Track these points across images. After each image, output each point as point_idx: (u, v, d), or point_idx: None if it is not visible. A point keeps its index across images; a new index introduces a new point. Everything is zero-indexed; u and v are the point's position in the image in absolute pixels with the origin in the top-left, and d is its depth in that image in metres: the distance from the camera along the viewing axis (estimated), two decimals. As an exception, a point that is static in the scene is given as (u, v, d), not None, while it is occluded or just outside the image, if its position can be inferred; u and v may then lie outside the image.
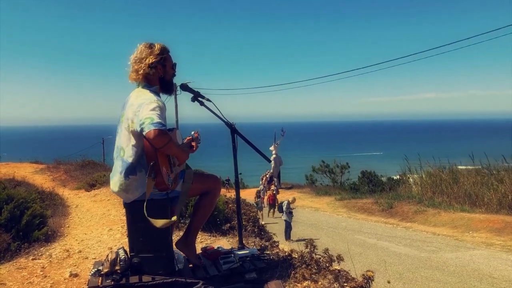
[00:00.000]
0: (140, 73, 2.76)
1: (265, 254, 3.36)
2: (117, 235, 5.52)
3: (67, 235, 5.86)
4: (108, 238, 5.37)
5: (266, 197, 18.58)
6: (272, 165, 24.65)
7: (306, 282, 2.88)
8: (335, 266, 3.22)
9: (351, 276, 3.01)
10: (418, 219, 14.11)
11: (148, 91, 2.73)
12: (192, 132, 3.13)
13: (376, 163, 49.63)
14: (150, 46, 2.82)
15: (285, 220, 12.97)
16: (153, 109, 2.48)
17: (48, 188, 10.85)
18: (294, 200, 14.26)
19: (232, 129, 3.25)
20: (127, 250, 2.86)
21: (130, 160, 2.68)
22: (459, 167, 18.04)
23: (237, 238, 3.48)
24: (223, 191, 4.41)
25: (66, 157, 22.71)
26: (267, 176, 24.11)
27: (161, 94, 2.90)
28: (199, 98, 3.17)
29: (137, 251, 2.79)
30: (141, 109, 2.52)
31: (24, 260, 4.18)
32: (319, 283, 2.86)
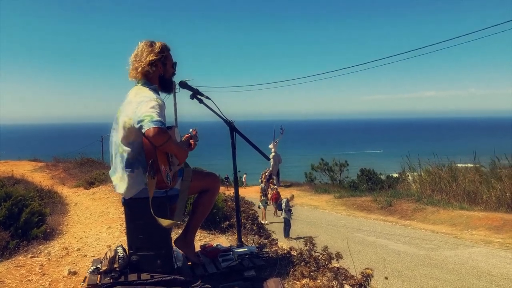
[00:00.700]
0: (139, 71, 2.75)
1: (264, 252, 3.36)
2: (116, 233, 5.52)
3: (65, 233, 5.86)
4: (107, 236, 5.36)
5: (269, 196, 17.96)
6: (271, 163, 24.64)
7: (305, 279, 2.88)
8: (334, 263, 3.22)
9: (350, 273, 3.01)
10: (417, 217, 14.13)
11: (147, 89, 2.72)
12: (190, 130, 3.12)
13: (376, 161, 49.69)
14: (151, 44, 2.81)
15: (284, 218, 12.96)
16: (153, 107, 2.47)
17: (47, 186, 10.84)
18: (292, 197, 14.26)
19: (231, 127, 3.24)
20: (126, 248, 2.85)
21: (127, 156, 2.67)
22: (458, 165, 18.05)
23: (236, 236, 3.48)
24: (222, 189, 4.42)
25: (65, 155, 22.72)
26: (266, 174, 24.10)
27: (160, 92, 2.89)
28: (198, 96, 3.16)
29: (135, 249, 2.78)
30: (140, 106, 2.51)
31: (23, 258, 4.17)
32: (318, 280, 2.85)
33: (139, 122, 2.43)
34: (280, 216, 14.96)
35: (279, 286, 2.70)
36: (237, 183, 3.46)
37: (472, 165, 17.03)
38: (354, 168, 29.65)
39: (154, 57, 2.76)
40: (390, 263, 8.59)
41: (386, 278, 5.41)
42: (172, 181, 2.69)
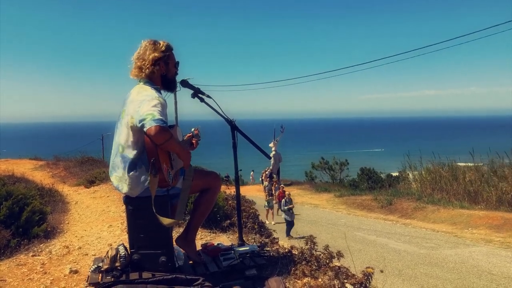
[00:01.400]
0: (143, 70, 2.75)
1: (265, 251, 3.36)
2: (116, 231, 5.52)
3: (66, 232, 5.86)
4: (108, 235, 5.36)
5: (276, 195, 17.57)
6: (272, 162, 24.56)
7: (306, 278, 2.88)
8: (335, 262, 3.22)
9: (351, 272, 3.01)
10: (418, 215, 14.14)
11: (149, 87, 2.72)
12: (192, 129, 3.12)
13: (377, 160, 49.67)
14: (154, 43, 2.80)
15: (284, 218, 12.93)
16: (155, 106, 2.47)
17: (47, 185, 10.85)
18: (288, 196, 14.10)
19: (232, 125, 3.24)
20: (127, 246, 2.86)
21: (130, 156, 2.67)
22: (459, 164, 18.05)
23: (237, 235, 3.48)
24: (222, 187, 4.41)
25: (66, 153, 22.71)
26: (267, 173, 24.05)
27: (162, 91, 2.89)
28: (199, 95, 3.15)
29: (137, 248, 2.78)
30: (142, 105, 2.50)
31: (24, 257, 4.18)
32: (319, 279, 2.85)
33: (141, 121, 2.44)
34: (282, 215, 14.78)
35: (280, 285, 2.71)
36: (238, 182, 3.46)
37: (472, 164, 17.03)
38: (354, 167, 29.67)
39: (157, 56, 2.76)
40: (391, 262, 8.59)
41: (382, 271, 5.42)
42: (174, 179, 2.69)
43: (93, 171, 13.98)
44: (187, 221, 3.23)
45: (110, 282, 2.64)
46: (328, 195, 21.72)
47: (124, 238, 4.61)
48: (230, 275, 2.88)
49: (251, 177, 30.47)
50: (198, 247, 3.27)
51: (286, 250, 3.55)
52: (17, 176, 12.55)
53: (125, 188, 2.72)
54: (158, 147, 2.47)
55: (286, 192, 14.46)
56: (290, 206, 13.03)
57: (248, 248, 3.23)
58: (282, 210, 13.17)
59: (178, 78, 3.01)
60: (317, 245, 3.37)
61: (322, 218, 15.38)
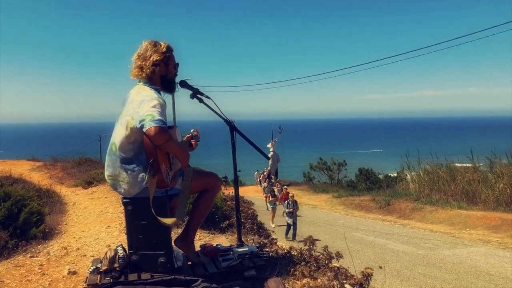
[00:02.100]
0: (144, 70, 2.75)
1: (264, 252, 3.36)
2: (115, 232, 5.51)
3: (64, 233, 5.85)
4: (106, 236, 5.36)
5: (279, 196, 16.65)
6: (270, 163, 24.63)
7: (306, 279, 2.88)
8: (334, 263, 3.22)
9: (350, 273, 3.01)
10: (416, 216, 14.16)
11: (148, 88, 2.72)
12: (192, 130, 3.12)
13: (376, 160, 49.76)
14: (155, 44, 2.80)
15: (286, 221, 12.68)
16: (154, 106, 2.47)
17: (45, 186, 10.82)
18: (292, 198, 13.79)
19: (232, 126, 3.24)
20: (126, 247, 2.85)
21: (128, 156, 2.67)
22: (457, 164, 18.09)
23: (236, 236, 3.48)
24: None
25: (63, 154, 22.67)
26: (265, 173, 24.05)
27: (161, 92, 2.89)
28: (198, 95, 3.15)
29: (136, 249, 2.78)
30: (142, 105, 2.50)
31: (22, 258, 4.16)
32: (319, 280, 2.85)
33: (140, 121, 2.44)
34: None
35: (279, 286, 2.70)
36: (237, 183, 3.46)
37: (470, 164, 17.07)
38: (352, 167, 29.73)
39: (158, 57, 2.76)
40: (389, 263, 8.60)
41: (381, 267, 5.44)
42: (173, 180, 2.68)
43: (91, 172, 13.96)
44: (186, 222, 3.23)
45: (109, 283, 2.63)
46: (326, 195, 21.74)
47: (122, 239, 4.60)
48: (229, 276, 2.87)
49: (255, 177, 30.45)
50: (197, 248, 3.27)
51: (285, 251, 3.55)
52: (14, 177, 12.53)
53: (121, 188, 2.72)
54: (157, 148, 2.47)
55: (290, 194, 14.04)
56: (289, 210, 12.58)
57: (247, 249, 3.23)
58: (285, 215, 12.93)
59: (178, 79, 3.01)
60: (316, 246, 3.37)
61: (320, 219, 15.38)
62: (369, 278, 2.92)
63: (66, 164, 18.44)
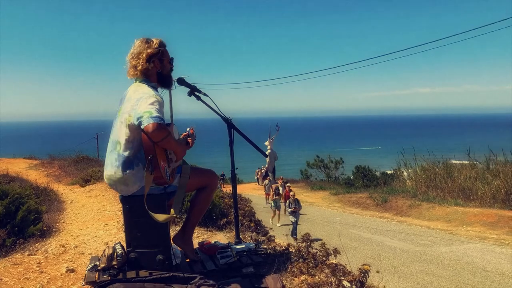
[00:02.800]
0: (139, 68, 2.75)
1: (262, 249, 3.37)
2: (113, 230, 5.51)
3: (62, 231, 5.84)
4: (104, 234, 5.35)
5: (282, 195, 15.80)
6: (267, 160, 24.65)
7: (303, 276, 2.90)
8: (332, 260, 3.24)
9: (347, 270, 3.03)
10: (413, 213, 14.19)
11: (146, 85, 2.73)
12: (188, 129, 3.13)
13: (373, 158, 49.86)
14: (147, 41, 2.81)
15: (291, 221, 12.60)
16: (152, 103, 2.48)
17: (42, 184, 10.80)
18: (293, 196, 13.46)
19: (229, 124, 3.25)
20: (124, 245, 2.85)
21: (127, 154, 2.67)
22: (453, 161, 18.14)
23: (234, 233, 3.49)
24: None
25: (60, 152, 22.61)
26: (262, 171, 24.07)
27: (158, 88, 2.90)
28: (196, 93, 3.15)
29: (134, 246, 2.78)
30: (139, 103, 2.51)
31: (20, 256, 4.16)
32: (316, 277, 2.87)
33: (138, 118, 2.44)
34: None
35: (277, 283, 2.72)
36: (235, 180, 3.47)
37: (467, 162, 17.12)
38: (349, 165, 29.77)
39: (150, 54, 2.76)
40: (386, 259, 8.63)
41: (378, 272, 5.45)
42: (171, 177, 2.69)
43: (88, 170, 13.93)
44: (184, 219, 3.23)
45: (107, 280, 2.64)
46: (323, 193, 21.76)
47: (120, 237, 4.60)
48: (227, 273, 2.89)
49: (256, 175, 30.46)
50: (195, 246, 3.28)
51: (283, 247, 3.57)
52: (11, 175, 12.48)
53: (120, 186, 2.72)
54: (156, 145, 2.48)
55: (291, 193, 13.54)
56: (291, 209, 12.40)
57: (245, 246, 3.24)
58: (288, 213, 12.83)
59: (174, 74, 3.02)
60: (313, 243, 3.38)
61: (317, 216, 15.40)
62: (366, 274, 2.94)
63: (63, 162, 18.38)
